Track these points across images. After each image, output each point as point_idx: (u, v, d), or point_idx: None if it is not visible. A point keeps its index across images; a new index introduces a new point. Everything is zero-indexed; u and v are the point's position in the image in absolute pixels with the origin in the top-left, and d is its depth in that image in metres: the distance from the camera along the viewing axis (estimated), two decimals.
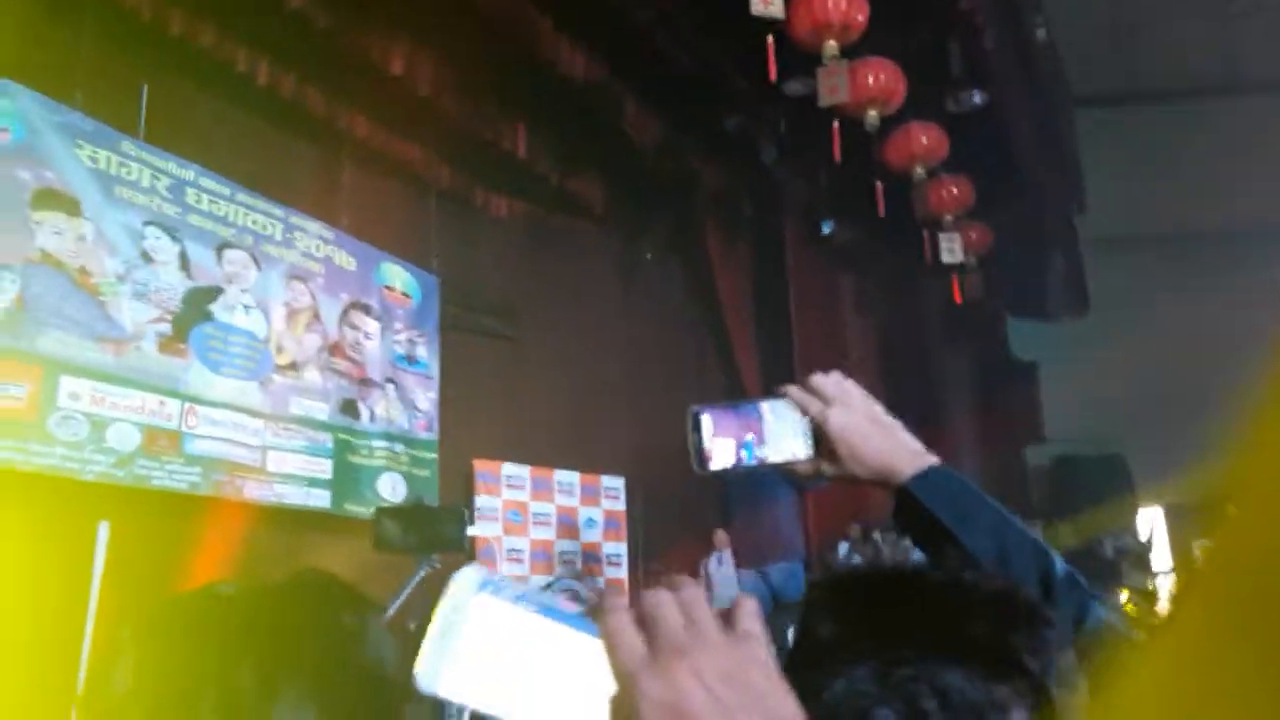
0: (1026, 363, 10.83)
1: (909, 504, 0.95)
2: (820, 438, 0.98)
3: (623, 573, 8.00)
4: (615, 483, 8.08)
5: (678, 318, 9.26)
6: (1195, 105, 10.46)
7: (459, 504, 5.53)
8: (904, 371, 9.96)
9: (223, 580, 0.86)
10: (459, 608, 0.61)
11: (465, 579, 0.62)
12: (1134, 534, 8.97)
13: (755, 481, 8.04)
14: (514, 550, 7.35)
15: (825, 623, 0.65)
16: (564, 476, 7.81)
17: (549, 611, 0.62)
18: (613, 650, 0.56)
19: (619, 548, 8.06)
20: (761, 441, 0.99)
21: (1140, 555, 8.37)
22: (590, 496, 7.96)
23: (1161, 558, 8.80)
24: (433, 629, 0.61)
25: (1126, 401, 10.26)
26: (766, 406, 1.00)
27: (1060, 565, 0.91)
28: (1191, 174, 10.12)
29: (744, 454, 0.99)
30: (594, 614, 0.59)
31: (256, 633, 0.78)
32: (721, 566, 7.48)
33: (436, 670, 0.60)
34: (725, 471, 0.99)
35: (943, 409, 10.23)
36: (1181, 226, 10.80)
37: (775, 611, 6.19)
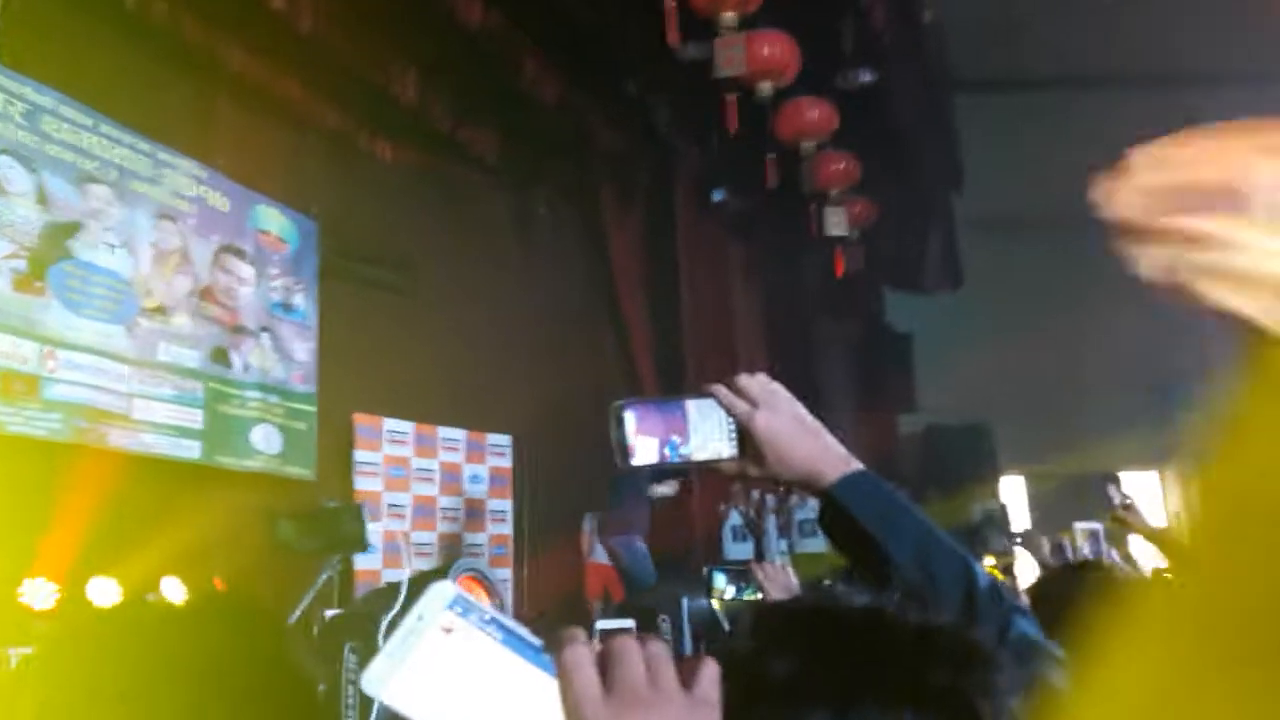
0: (902, 334, 11.19)
1: (834, 509, 0.96)
2: (745, 439, 0.98)
3: (508, 529, 7.95)
4: (502, 440, 8.02)
5: (570, 276, 9.19)
6: (1073, 94, 10.91)
7: (357, 504, 5.40)
8: (787, 339, 10.17)
9: (139, 598, 0.81)
10: (424, 620, 0.61)
11: (437, 594, 0.62)
12: (997, 501, 9.42)
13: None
14: (395, 505, 7.22)
15: (777, 660, 0.64)
16: (449, 433, 7.69)
17: (511, 641, 0.62)
18: (569, 682, 0.56)
19: (504, 504, 8.01)
20: (686, 440, 0.99)
21: (1002, 521, 8.80)
22: (476, 453, 7.88)
23: (1018, 523, 9.27)
24: (394, 637, 0.61)
25: (994, 374, 10.73)
26: (692, 405, 0.99)
27: (983, 576, 0.93)
28: (1068, 161, 10.54)
29: (668, 452, 0.99)
30: (553, 645, 0.60)
31: (178, 659, 0.76)
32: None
33: (386, 677, 0.60)
34: (648, 468, 1.00)
35: (822, 376, 10.49)
36: (1055, 211, 11.27)
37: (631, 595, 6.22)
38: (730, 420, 0.98)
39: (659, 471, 6.21)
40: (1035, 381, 10.90)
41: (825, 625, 0.67)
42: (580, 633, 0.61)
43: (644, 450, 0.98)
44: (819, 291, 10.65)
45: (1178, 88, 10.56)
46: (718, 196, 9.38)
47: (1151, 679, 0.30)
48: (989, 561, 6.98)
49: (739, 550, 7.67)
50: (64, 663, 0.73)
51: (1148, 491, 12.23)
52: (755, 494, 7.82)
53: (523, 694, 0.59)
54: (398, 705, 0.60)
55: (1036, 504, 11.23)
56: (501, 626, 0.62)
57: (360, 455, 7.02)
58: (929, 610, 0.69)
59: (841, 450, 1.00)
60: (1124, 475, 12.09)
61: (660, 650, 0.58)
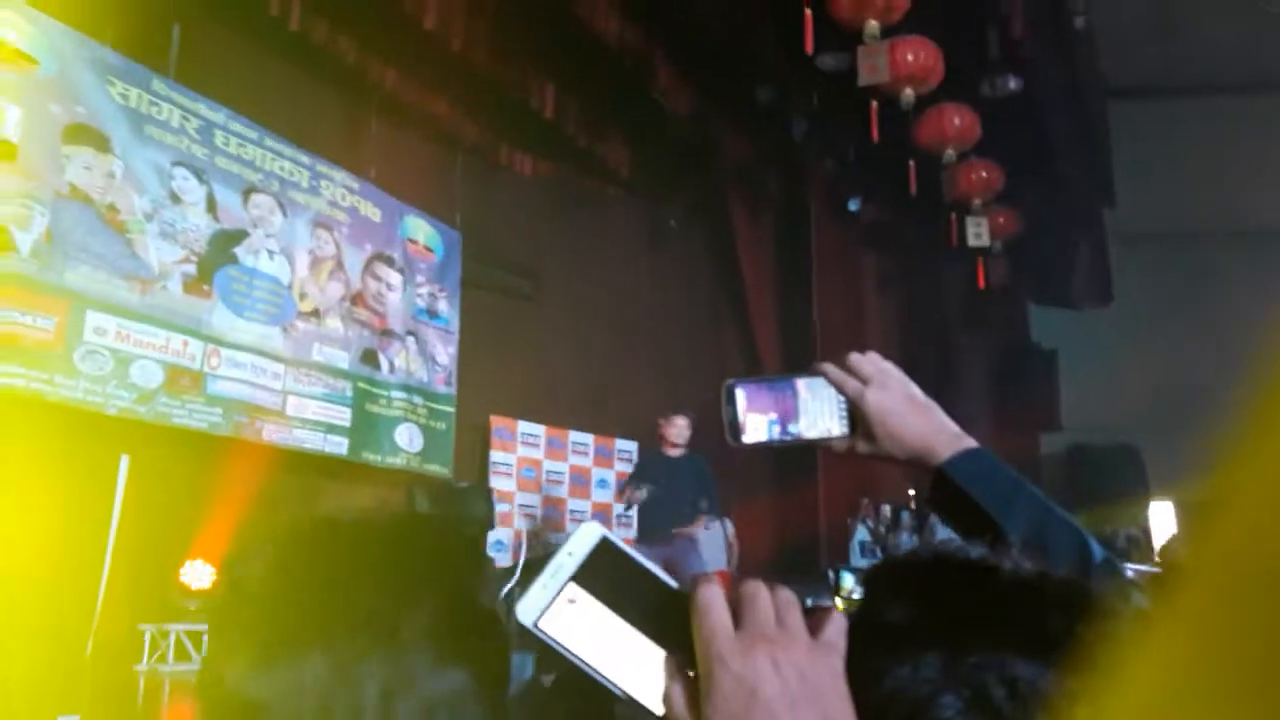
0: (1047, 350, 10.77)
1: (946, 486, 0.95)
2: (856, 417, 0.98)
3: (632, 533, 8.04)
4: (629, 446, 8.13)
5: (699, 288, 9.25)
6: (1230, 101, 10.33)
7: (486, 485, 5.74)
8: (923, 354, 9.92)
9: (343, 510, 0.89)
10: (573, 556, 0.65)
11: (587, 531, 0.66)
12: (1145, 526, 8.95)
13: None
14: (526, 506, 7.41)
15: (892, 607, 0.65)
16: (579, 437, 7.86)
17: (654, 573, 0.66)
18: (702, 619, 0.59)
19: (629, 511, 8.11)
20: (796, 418, 0.99)
21: (1145, 546, 8.37)
22: (603, 458, 8.02)
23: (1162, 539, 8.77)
24: (545, 571, 0.65)
25: (1145, 395, 10.20)
26: (802, 383, 1.00)
27: (1099, 551, 0.92)
28: (1224, 171, 10.01)
29: (777, 430, 0.99)
30: (692, 583, 0.62)
31: (383, 562, 0.80)
32: (707, 531, 7.48)
33: (540, 608, 0.64)
34: (759, 446, 0.99)
35: (960, 392, 10.19)
36: (1210, 224, 10.71)
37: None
38: (841, 398, 0.99)
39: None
40: (1188, 401, 10.28)
41: (941, 573, 0.67)
42: (714, 575, 0.63)
43: (754, 428, 0.99)
44: (959, 304, 10.38)
45: None
46: (854, 206, 9.25)
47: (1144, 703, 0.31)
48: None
49: (866, 565, 7.56)
50: (291, 567, 0.81)
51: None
52: (886, 510, 7.67)
53: (660, 632, 0.63)
54: (551, 636, 0.63)
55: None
56: (646, 560, 0.66)
57: (495, 455, 7.25)
58: (1045, 565, 0.69)
59: (954, 428, 0.99)
60: None
61: (789, 596, 0.62)
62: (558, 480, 7.68)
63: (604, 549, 0.66)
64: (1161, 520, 10.36)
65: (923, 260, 10.02)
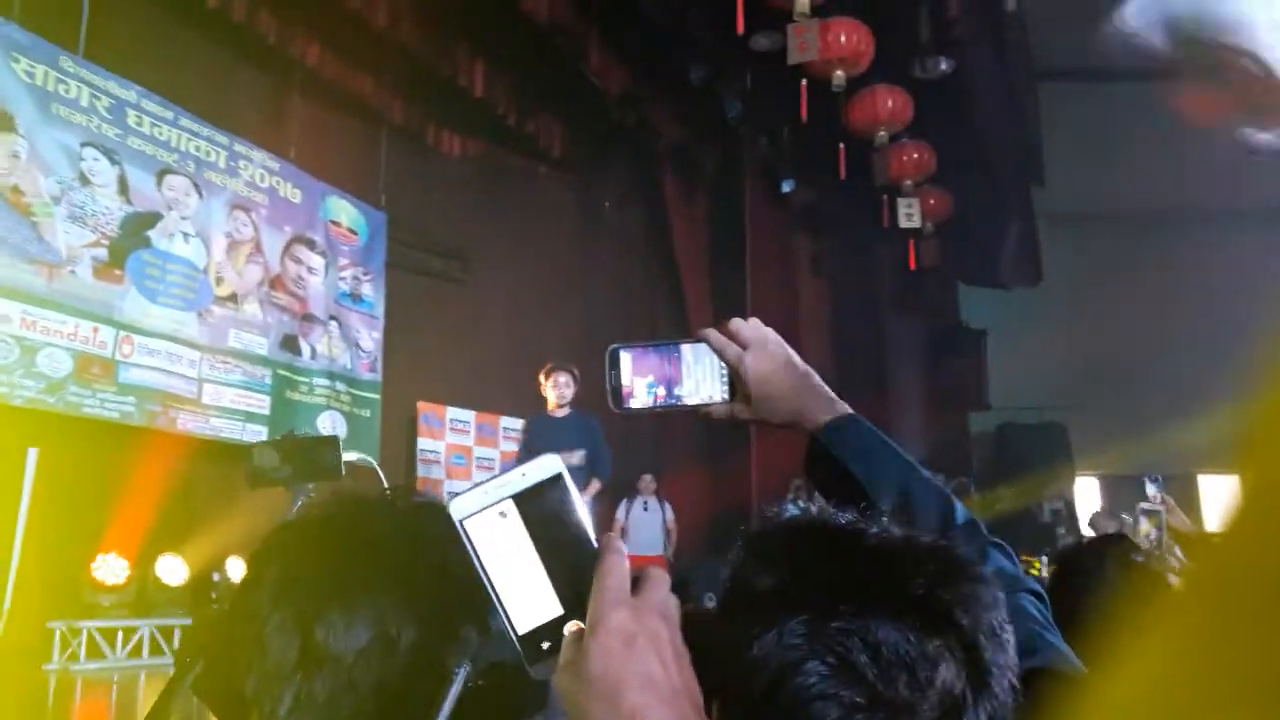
0: (976, 330, 10.92)
1: (820, 451, 0.96)
2: (737, 382, 0.98)
3: None
4: None
5: (633, 268, 9.20)
6: (1158, 85, 10.51)
7: (334, 436, 5.54)
8: (855, 333, 10.02)
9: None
10: (525, 478, 0.68)
11: (546, 461, 0.69)
12: (1069, 499, 9.17)
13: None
14: (455, 494, 7.32)
15: (760, 574, 0.65)
16: (510, 423, 7.77)
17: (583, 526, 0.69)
18: (607, 575, 0.62)
19: None
20: (679, 383, 0.99)
21: (1069, 519, 8.57)
22: None
23: (1090, 510, 8.99)
24: (493, 480, 0.68)
25: (1070, 373, 10.43)
26: (687, 349, 1.00)
27: (961, 512, 0.93)
28: (1150, 154, 10.18)
29: (660, 394, 0.99)
30: (602, 545, 0.66)
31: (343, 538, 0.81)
32: (646, 512, 7.43)
33: (473, 509, 0.67)
34: (642, 410, 1.00)
35: (892, 371, 10.32)
36: (1136, 205, 10.91)
37: None
38: (723, 365, 0.98)
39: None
40: (1114, 379, 10.55)
41: (808, 538, 0.67)
42: (619, 543, 0.66)
43: (637, 393, 0.99)
44: (890, 285, 10.47)
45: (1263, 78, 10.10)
46: (787, 187, 9.25)
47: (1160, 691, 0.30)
48: (1045, 560, 6.80)
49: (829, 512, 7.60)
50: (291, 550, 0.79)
51: (1225, 494, 11.73)
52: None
53: (563, 579, 0.66)
54: (470, 537, 0.66)
55: (1107, 498, 10.89)
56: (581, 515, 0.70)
57: (423, 443, 7.16)
58: (920, 530, 0.70)
59: (829, 393, 0.99)
60: (1205, 476, 11.70)
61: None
62: (488, 467, 7.61)
63: (554, 483, 0.68)
64: (1085, 494, 10.63)
65: (855, 241, 10.09)
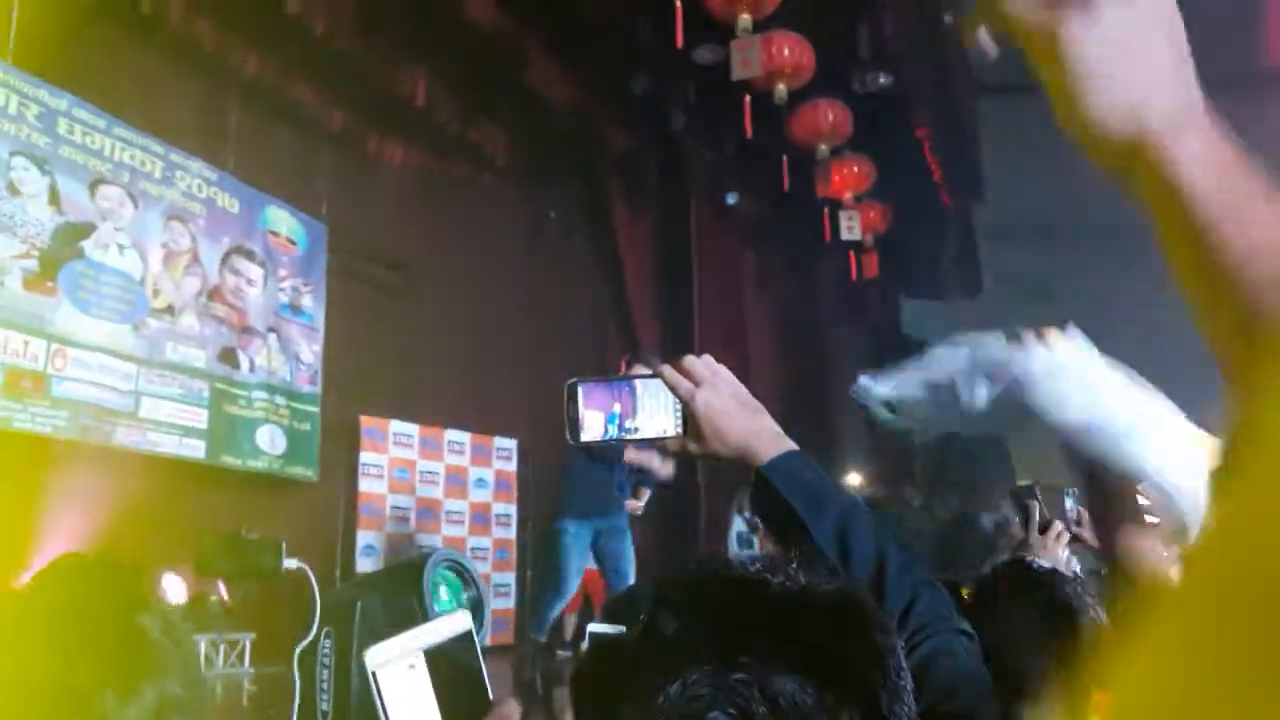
0: (917, 341, 11.07)
1: (765, 486, 1.00)
2: (689, 417, 1.02)
3: (511, 533, 7.97)
4: (508, 444, 8.03)
5: (579, 281, 9.19)
6: None
7: (278, 539, 5.43)
8: (800, 345, 10.12)
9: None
10: (438, 633, 0.75)
11: (459, 617, 0.76)
12: (1010, 511, 9.29)
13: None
14: (399, 509, 7.24)
15: (666, 623, 0.66)
16: (455, 435, 7.71)
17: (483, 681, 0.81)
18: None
19: (509, 508, 8.02)
20: (633, 417, 1.03)
21: (1012, 532, 8.70)
22: (481, 456, 7.89)
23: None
24: (410, 632, 0.74)
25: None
26: (640, 384, 1.04)
27: (895, 553, 0.96)
28: (1090, 166, 10.43)
29: (615, 428, 1.04)
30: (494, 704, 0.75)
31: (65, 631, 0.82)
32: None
33: (387, 662, 0.72)
34: (596, 443, 1.06)
35: (836, 383, 10.42)
36: (1076, 218, 11.16)
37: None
38: (677, 400, 1.02)
39: (636, 483, 5.86)
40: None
41: (713, 587, 0.69)
42: (510, 708, 0.74)
43: (592, 425, 1.02)
44: (833, 298, 10.60)
45: (1212, 91, 10.40)
46: (731, 200, 9.33)
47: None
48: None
49: (747, 557, 7.64)
50: None
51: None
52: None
53: None
54: (380, 687, 0.70)
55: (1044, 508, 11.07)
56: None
57: (365, 457, 7.05)
58: (823, 575, 0.72)
59: (776, 430, 1.03)
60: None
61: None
62: (433, 481, 7.53)
63: (464, 640, 0.75)
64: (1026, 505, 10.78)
65: (799, 253, 10.19)
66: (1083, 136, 0.67)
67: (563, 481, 5.55)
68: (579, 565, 5.32)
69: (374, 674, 0.70)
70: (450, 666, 0.73)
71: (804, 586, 0.68)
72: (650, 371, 1.05)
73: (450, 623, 0.75)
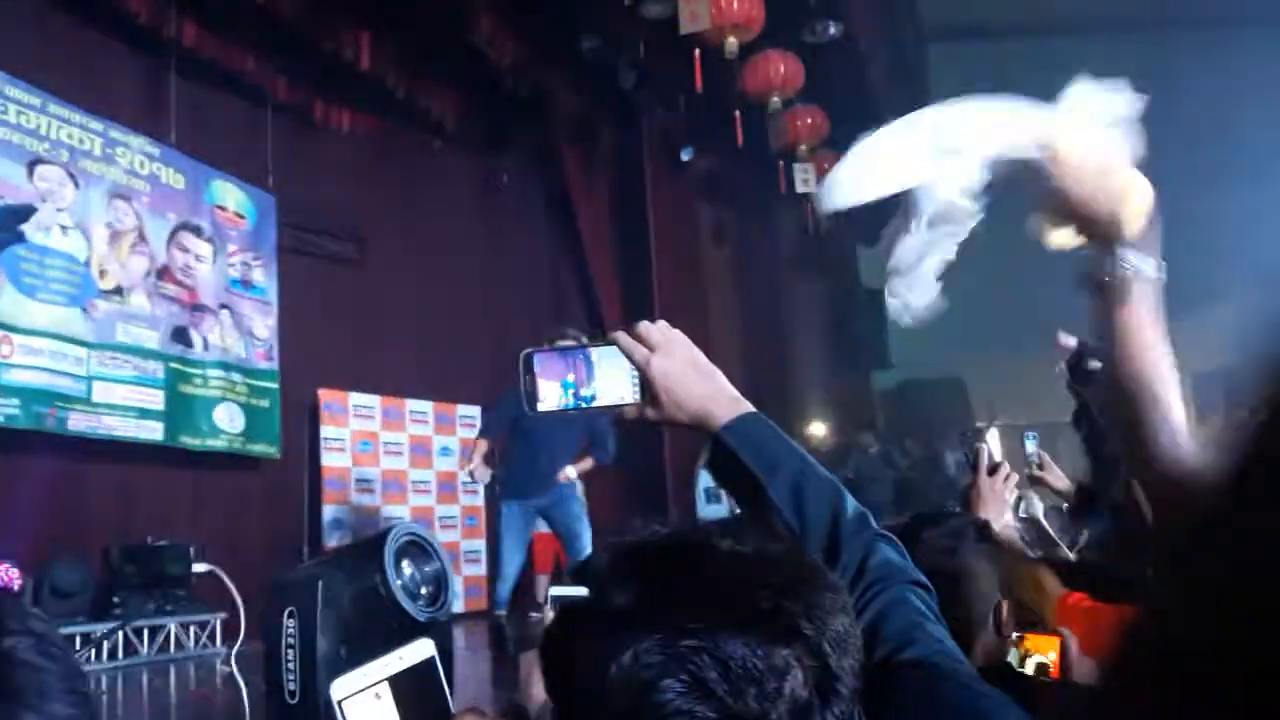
0: (874, 290, 11.16)
1: (722, 450, 1.00)
2: (645, 383, 1.02)
3: (479, 500, 7.96)
4: (471, 411, 7.98)
5: (536, 243, 9.12)
6: (1044, 42, 10.82)
7: (186, 545, 5.42)
8: (759, 298, 10.13)
9: None
10: (402, 660, 0.77)
11: (421, 645, 0.79)
12: (969, 451, 9.43)
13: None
14: (364, 481, 7.19)
15: (615, 593, 0.67)
16: (417, 405, 7.65)
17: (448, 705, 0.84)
18: None
19: (474, 482, 7.98)
20: (589, 385, 1.03)
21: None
22: (445, 425, 7.85)
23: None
24: (373, 664, 0.76)
25: (968, 329, 10.74)
26: (596, 352, 1.04)
27: (851, 506, 0.97)
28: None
29: (571, 396, 1.03)
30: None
31: None
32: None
33: (350, 691, 0.75)
34: (554, 413, 1.04)
35: (795, 334, 10.49)
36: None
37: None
38: (632, 366, 1.02)
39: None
40: (1009, 334, 10.94)
41: (661, 555, 0.69)
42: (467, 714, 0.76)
43: (549, 395, 1.02)
44: (791, 250, 10.61)
45: (1148, 33, 10.49)
46: (686, 156, 9.27)
47: None
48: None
49: (712, 511, 7.69)
50: None
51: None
52: None
53: None
54: (346, 716, 0.72)
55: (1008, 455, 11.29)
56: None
57: (326, 431, 6.99)
58: (772, 538, 0.73)
59: (733, 392, 1.03)
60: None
61: None
62: (397, 451, 7.48)
63: (426, 667, 0.77)
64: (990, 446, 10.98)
65: (755, 207, 10.18)
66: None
67: (498, 466, 5.60)
68: (517, 542, 5.37)
69: (339, 704, 0.72)
70: (415, 692, 0.76)
71: (752, 549, 0.69)
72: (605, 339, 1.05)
73: (414, 651, 0.78)
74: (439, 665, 0.77)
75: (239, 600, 1.95)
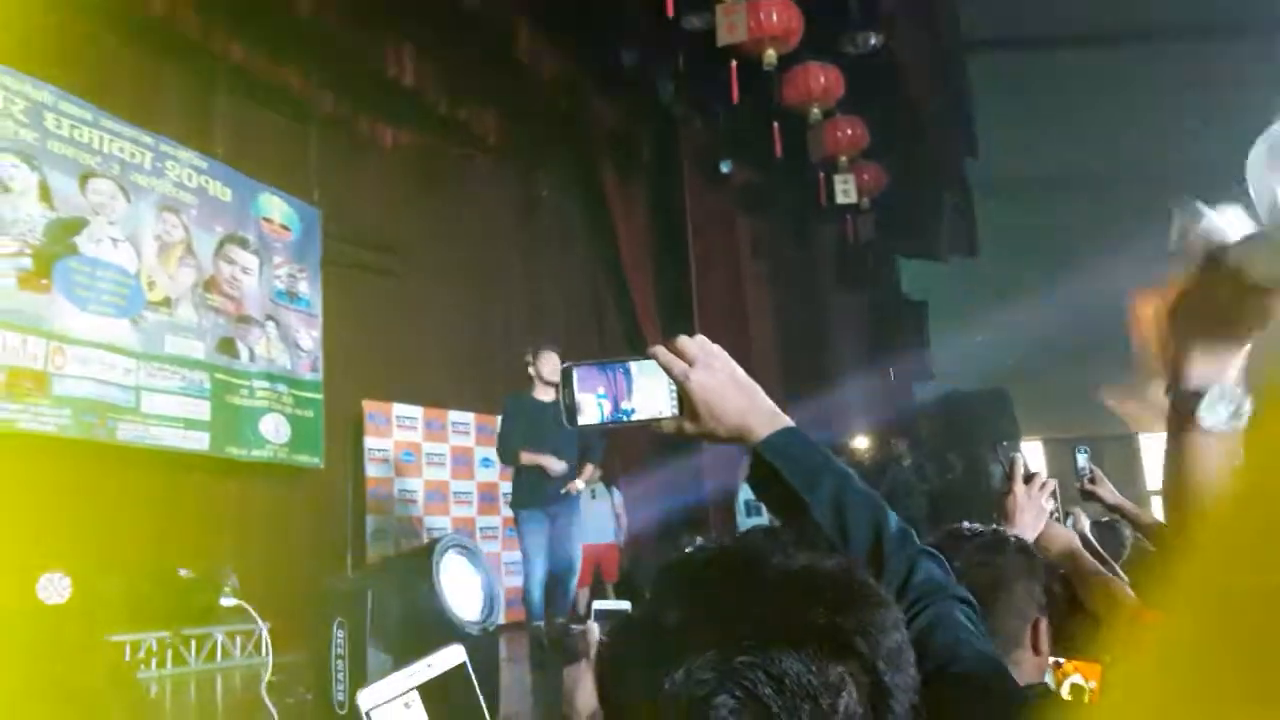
0: (916, 302, 11.08)
1: (762, 465, 1.00)
2: (683, 398, 1.02)
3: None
4: None
5: (576, 257, 9.16)
6: (1083, 53, 10.71)
7: (218, 575, 5.48)
8: (799, 310, 10.10)
9: None
10: (431, 669, 0.75)
11: (451, 653, 0.77)
12: (1014, 458, 9.30)
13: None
14: (406, 492, 7.25)
15: (668, 609, 0.67)
16: (458, 416, 7.70)
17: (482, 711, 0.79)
18: None
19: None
20: (628, 399, 1.04)
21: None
22: (486, 436, 7.87)
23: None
24: (402, 671, 0.74)
25: (1011, 340, 10.63)
26: (635, 366, 1.05)
27: (894, 522, 0.97)
28: (1080, 121, 10.39)
29: (609, 409, 1.04)
30: None
31: None
32: (594, 500, 7.33)
33: (379, 700, 0.72)
34: (593, 426, 1.05)
35: (836, 346, 10.43)
36: (1070, 173, 11.12)
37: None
38: (671, 381, 1.03)
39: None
40: (1052, 346, 10.80)
41: (712, 571, 0.70)
42: None
43: (588, 409, 1.03)
44: (831, 261, 10.57)
45: (1192, 44, 10.34)
46: (725, 169, 9.27)
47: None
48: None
49: (752, 525, 7.65)
50: None
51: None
52: None
53: None
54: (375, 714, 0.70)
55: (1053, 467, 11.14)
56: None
57: (370, 442, 7.05)
58: (823, 554, 0.73)
59: (772, 407, 1.04)
60: (1145, 436, 12.01)
61: None
62: (439, 462, 7.53)
63: (457, 674, 0.75)
64: (1031, 458, 10.83)
65: (794, 219, 10.15)
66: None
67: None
68: (538, 546, 5.49)
69: (368, 714, 0.70)
70: (447, 703, 0.74)
71: (802, 564, 0.69)
72: (643, 355, 1.06)
73: (444, 657, 0.75)
74: (471, 673, 0.76)
75: (263, 630, 1.96)
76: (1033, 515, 1.87)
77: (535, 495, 5.51)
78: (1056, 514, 2.24)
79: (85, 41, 5.89)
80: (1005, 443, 2.51)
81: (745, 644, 0.62)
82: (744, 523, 7.85)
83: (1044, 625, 1.50)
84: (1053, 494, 2.22)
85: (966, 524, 1.65)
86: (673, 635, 0.65)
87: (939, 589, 0.93)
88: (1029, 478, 1.93)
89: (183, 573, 5.54)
